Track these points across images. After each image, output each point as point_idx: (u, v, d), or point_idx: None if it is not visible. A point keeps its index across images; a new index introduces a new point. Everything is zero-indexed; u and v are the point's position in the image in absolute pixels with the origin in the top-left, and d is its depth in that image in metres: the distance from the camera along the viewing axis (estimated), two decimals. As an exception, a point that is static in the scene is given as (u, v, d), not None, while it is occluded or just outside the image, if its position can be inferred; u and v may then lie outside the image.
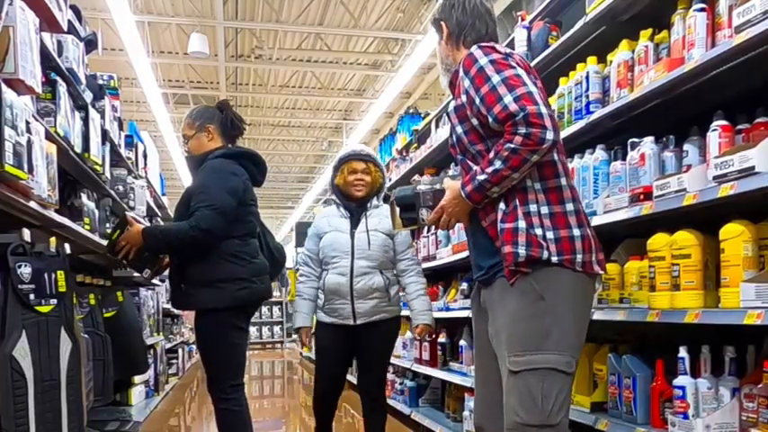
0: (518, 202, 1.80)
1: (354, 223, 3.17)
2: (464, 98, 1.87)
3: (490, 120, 1.78)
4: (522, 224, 1.78)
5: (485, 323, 1.97)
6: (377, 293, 3.12)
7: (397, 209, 2.03)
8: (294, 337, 3.36)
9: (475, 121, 1.86)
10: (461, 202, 1.87)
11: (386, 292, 3.15)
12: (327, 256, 3.16)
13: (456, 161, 2.02)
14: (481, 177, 1.79)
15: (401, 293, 3.30)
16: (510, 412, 1.79)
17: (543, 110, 1.71)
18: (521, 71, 1.80)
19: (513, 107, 1.72)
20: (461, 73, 1.88)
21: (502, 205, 1.82)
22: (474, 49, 1.87)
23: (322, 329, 3.20)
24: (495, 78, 1.77)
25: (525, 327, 1.79)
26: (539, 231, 1.79)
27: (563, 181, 1.86)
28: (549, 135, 1.71)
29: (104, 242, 3.44)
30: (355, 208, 3.19)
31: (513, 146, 1.72)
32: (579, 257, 1.80)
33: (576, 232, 1.81)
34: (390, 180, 5.70)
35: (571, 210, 1.84)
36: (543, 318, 1.77)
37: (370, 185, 3.19)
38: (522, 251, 1.77)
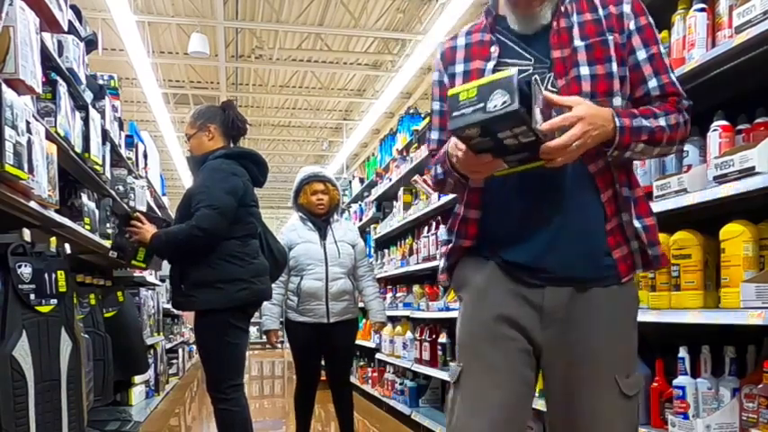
0: (640, 192, 1.48)
1: (323, 235, 3.64)
2: (619, 37, 1.43)
3: (649, 83, 1.44)
4: (654, 218, 1.48)
5: (532, 331, 1.44)
6: (347, 296, 3.63)
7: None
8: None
9: (614, 66, 1.41)
10: (605, 127, 1.32)
11: (352, 294, 3.68)
12: (302, 264, 3.58)
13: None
14: (645, 122, 1.37)
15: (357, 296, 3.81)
16: None
17: None
18: None
19: (681, 89, 1.45)
20: (626, 9, 1.45)
21: (626, 190, 1.44)
22: None
23: (297, 327, 3.59)
24: (662, 48, 1.47)
25: (630, 343, 1.49)
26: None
27: None
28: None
29: (105, 242, 3.45)
30: (321, 222, 3.66)
31: (681, 121, 1.42)
32: None
33: None
34: (390, 180, 5.71)
35: None
36: (636, 331, 1.51)
37: (329, 203, 3.68)
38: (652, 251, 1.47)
